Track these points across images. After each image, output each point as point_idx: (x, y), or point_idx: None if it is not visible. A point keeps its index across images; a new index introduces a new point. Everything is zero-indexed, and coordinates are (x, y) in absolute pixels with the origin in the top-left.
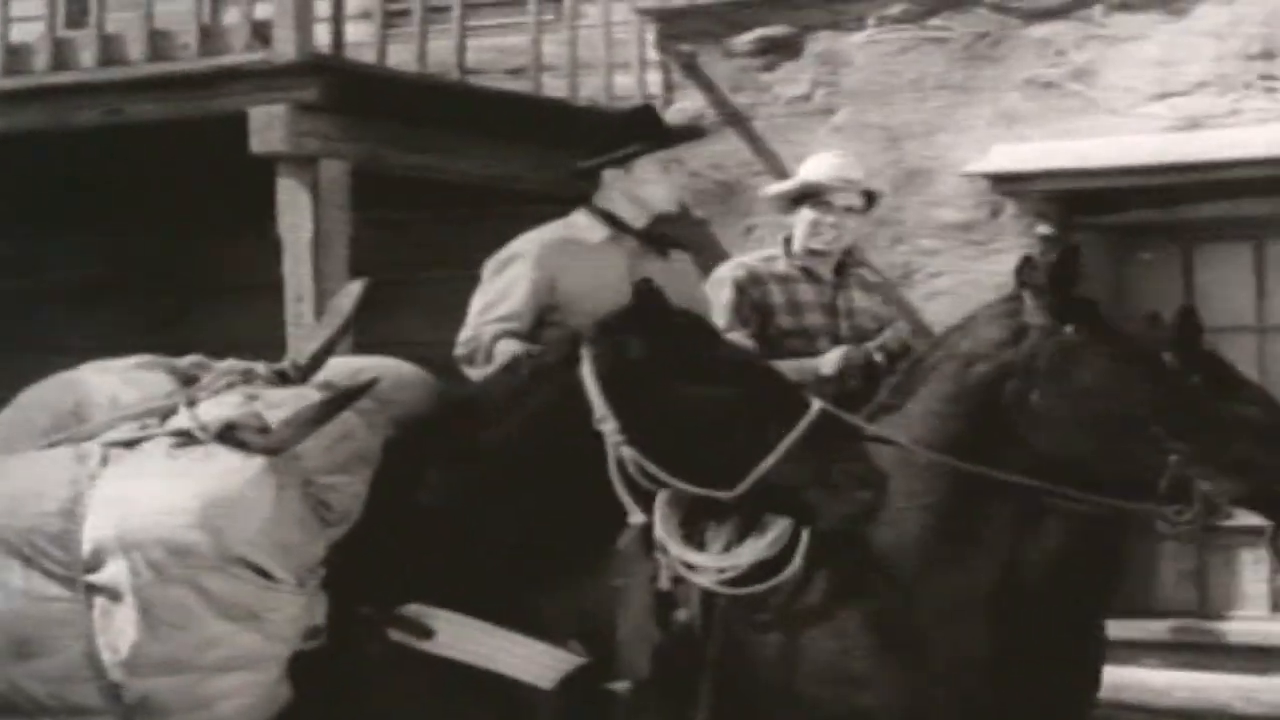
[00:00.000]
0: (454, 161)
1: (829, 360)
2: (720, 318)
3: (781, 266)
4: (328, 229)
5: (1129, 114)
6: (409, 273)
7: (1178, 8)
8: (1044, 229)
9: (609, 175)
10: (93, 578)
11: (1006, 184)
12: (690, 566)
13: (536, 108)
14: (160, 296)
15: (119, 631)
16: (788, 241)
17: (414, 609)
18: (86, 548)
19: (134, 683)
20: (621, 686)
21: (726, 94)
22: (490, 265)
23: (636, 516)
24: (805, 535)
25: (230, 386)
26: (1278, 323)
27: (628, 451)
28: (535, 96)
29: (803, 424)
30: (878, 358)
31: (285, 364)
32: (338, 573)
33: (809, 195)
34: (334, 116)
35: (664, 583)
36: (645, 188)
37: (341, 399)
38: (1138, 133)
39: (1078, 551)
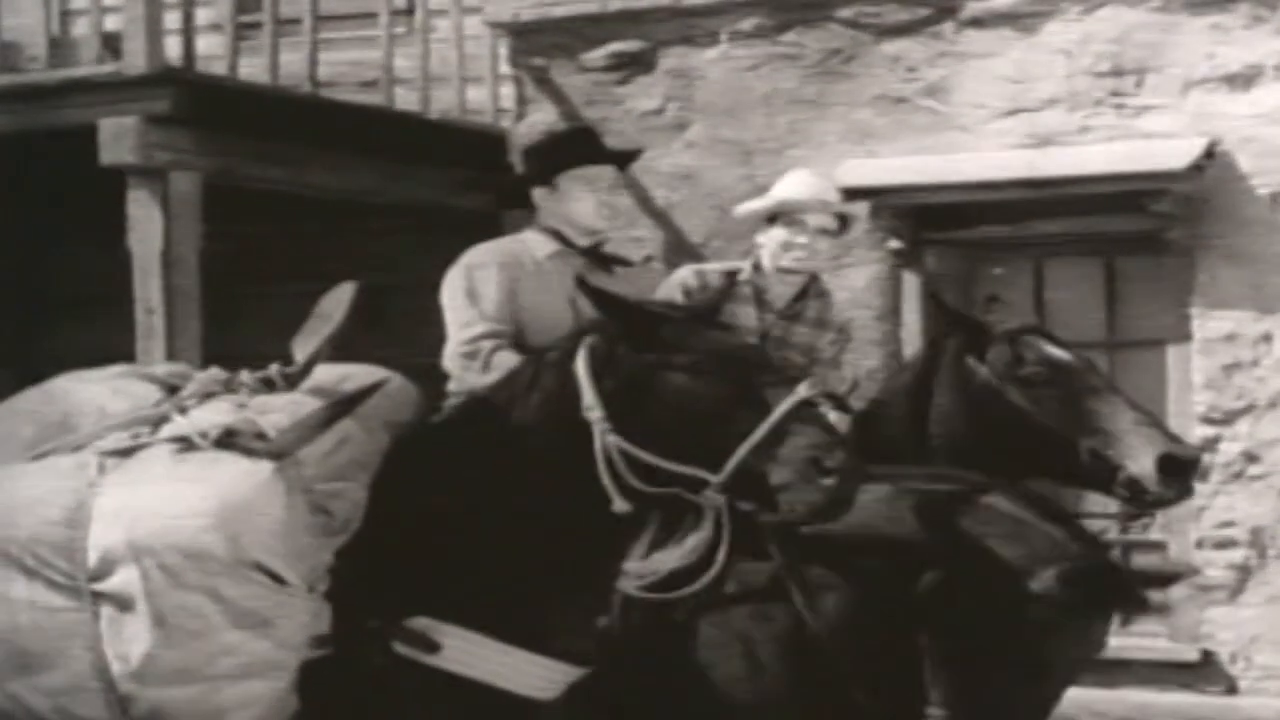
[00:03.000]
0: (306, 174)
1: None
2: None
3: (744, 278)
4: (178, 242)
5: (980, 130)
6: (260, 286)
7: (1029, 25)
8: (895, 243)
9: (537, 195)
10: (100, 586)
11: (858, 199)
12: None
13: (389, 121)
14: (10, 309)
15: (129, 640)
16: (756, 266)
17: (421, 622)
18: (93, 556)
19: (145, 693)
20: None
21: (579, 108)
22: (452, 281)
23: (621, 505)
24: (725, 541)
25: (214, 395)
26: (1127, 338)
27: (613, 439)
28: (388, 110)
29: (779, 411)
30: None
31: (271, 371)
32: (342, 581)
33: (782, 214)
34: (185, 129)
35: None
36: (573, 206)
37: (346, 404)
38: (989, 149)
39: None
